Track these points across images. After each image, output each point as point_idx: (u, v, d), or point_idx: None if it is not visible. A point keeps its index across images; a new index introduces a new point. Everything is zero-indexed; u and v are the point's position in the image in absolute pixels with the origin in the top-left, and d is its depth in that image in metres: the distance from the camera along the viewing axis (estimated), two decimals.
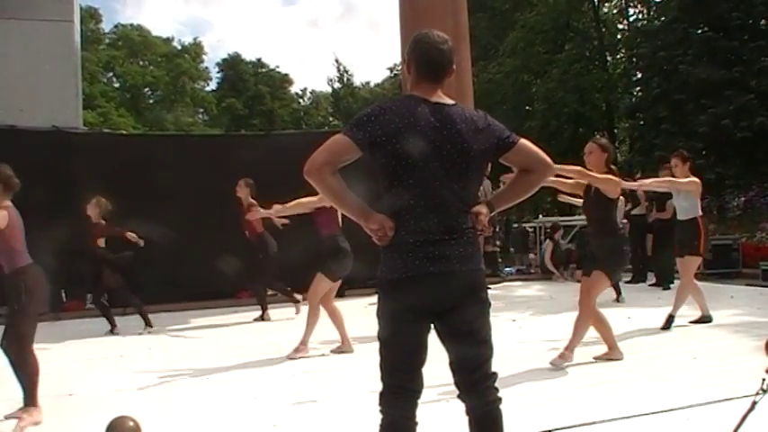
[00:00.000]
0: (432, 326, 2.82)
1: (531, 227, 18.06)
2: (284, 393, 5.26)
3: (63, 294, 10.38)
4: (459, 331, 2.78)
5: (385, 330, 2.81)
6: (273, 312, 9.22)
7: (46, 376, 6.08)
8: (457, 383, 2.85)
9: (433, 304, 2.73)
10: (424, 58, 2.85)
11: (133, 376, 6.11)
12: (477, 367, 2.81)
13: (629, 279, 11.60)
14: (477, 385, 2.82)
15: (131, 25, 53.38)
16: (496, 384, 2.87)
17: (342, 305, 9.27)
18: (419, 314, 2.74)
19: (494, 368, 2.86)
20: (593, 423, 4.22)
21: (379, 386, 2.87)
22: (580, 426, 4.18)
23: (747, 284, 11.19)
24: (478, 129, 2.80)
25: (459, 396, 2.86)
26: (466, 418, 2.85)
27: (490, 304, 2.85)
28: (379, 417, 2.84)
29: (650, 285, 11.32)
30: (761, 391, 3.02)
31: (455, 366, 2.84)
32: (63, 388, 5.71)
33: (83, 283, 10.43)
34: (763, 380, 2.98)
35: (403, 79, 2.91)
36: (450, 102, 2.83)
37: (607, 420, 4.26)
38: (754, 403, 3.02)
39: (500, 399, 2.85)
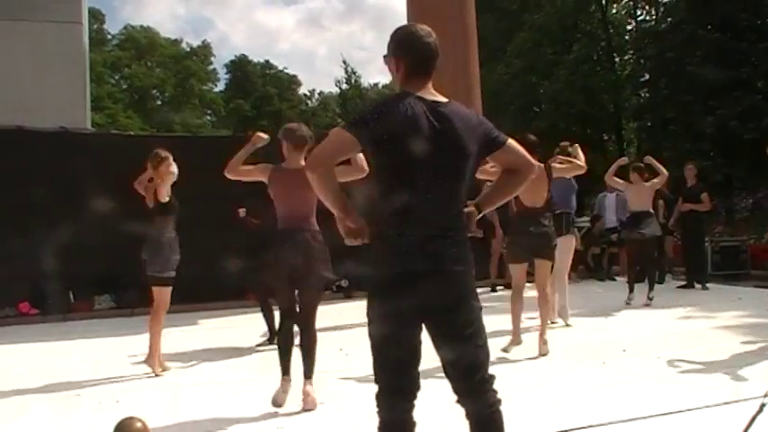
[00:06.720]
0: (423, 327, 2.78)
1: None
2: (291, 395, 5.25)
3: (71, 295, 10.41)
4: (457, 334, 2.75)
5: (378, 330, 2.77)
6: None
7: (54, 377, 6.12)
8: (455, 389, 2.81)
9: (427, 303, 2.69)
10: (413, 54, 2.84)
11: (141, 377, 6.13)
12: (477, 370, 2.78)
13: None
14: (477, 389, 2.78)
15: (141, 26, 53.62)
16: (495, 386, 2.83)
17: (349, 306, 9.33)
18: (412, 313, 2.71)
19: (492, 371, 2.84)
20: (601, 425, 4.21)
21: None
22: (587, 427, 4.17)
23: (755, 286, 11.15)
24: (472, 127, 2.79)
25: (458, 401, 2.81)
26: (466, 423, 2.81)
27: (481, 307, 2.82)
28: (377, 418, 2.83)
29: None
30: None
31: (453, 371, 2.79)
32: (71, 388, 5.73)
33: (91, 284, 10.47)
34: None
35: (392, 76, 2.81)
36: (444, 99, 2.83)
37: (614, 422, 4.25)
38: (763, 405, 3.01)
39: (500, 400, 2.81)
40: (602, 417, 4.33)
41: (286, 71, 57.26)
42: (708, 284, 11.00)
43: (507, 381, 5.46)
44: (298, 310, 5.10)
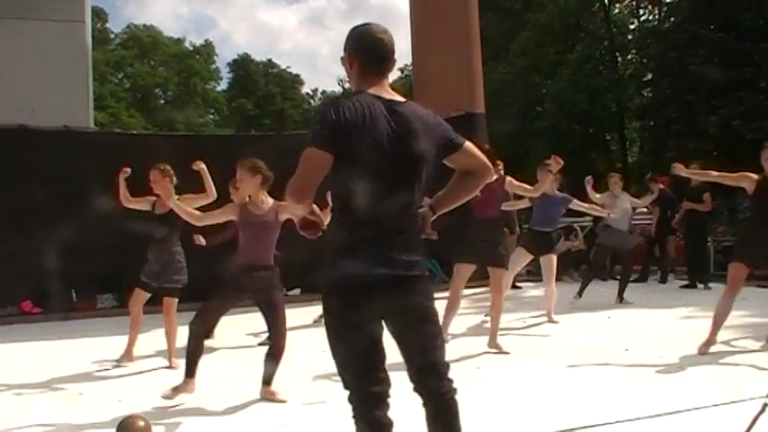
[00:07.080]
0: (384, 324, 2.83)
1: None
2: (293, 394, 5.26)
3: (73, 294, 10.41)
4: (415, 335, 2.80)
5: (341, 335, 2.77)
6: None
7: (56, 375, 6.13)
8: (412, 378, 2.84)
9: (384, 306, 2.72)
10: (367, 52, 2.83)
11: (143, 376, 6.13)
12: (433, 365, 2.82)
13: (635, 278, 11.57)
14: (432, 379, 2.82)
15: (144, 26, 53.64)
16: (450, 376, 2.87)
17: None
18: (374, 315, 2.75)
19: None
20: (604, 424, 4.21)
21: None
22: (590, 427, 4.18)
23: (758, 286, 11.13)
24: (430, 128, 2.79)
25: (415, 389, 2.84)
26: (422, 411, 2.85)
27: (434, 304, 2.88)
28: (352, 421, 2.83)
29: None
30: None
31: (411, 366, 2.84)
32: (74, 387, 5.74)
33: (93, 282, 10.46)
34: None
35: (348, 76, 2.79)
36: (401, 98, 2.83)
37: (617, 422, 4.25)
38: (765, 405, 3.01)
39: (456, 389, 2.85)
40: (604, 416, 4.33)
41: (289, 70, 57.35)
42: (710, 284, 11.01)
43: (508, 380, 5.49)
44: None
